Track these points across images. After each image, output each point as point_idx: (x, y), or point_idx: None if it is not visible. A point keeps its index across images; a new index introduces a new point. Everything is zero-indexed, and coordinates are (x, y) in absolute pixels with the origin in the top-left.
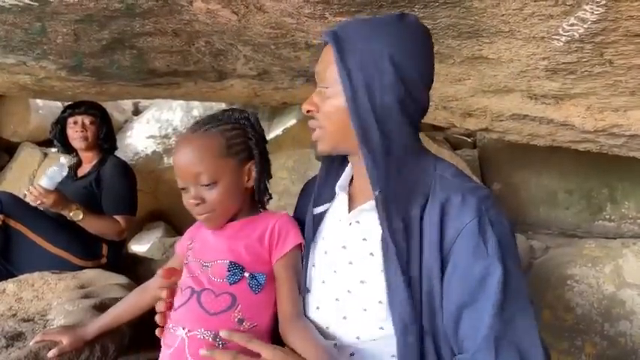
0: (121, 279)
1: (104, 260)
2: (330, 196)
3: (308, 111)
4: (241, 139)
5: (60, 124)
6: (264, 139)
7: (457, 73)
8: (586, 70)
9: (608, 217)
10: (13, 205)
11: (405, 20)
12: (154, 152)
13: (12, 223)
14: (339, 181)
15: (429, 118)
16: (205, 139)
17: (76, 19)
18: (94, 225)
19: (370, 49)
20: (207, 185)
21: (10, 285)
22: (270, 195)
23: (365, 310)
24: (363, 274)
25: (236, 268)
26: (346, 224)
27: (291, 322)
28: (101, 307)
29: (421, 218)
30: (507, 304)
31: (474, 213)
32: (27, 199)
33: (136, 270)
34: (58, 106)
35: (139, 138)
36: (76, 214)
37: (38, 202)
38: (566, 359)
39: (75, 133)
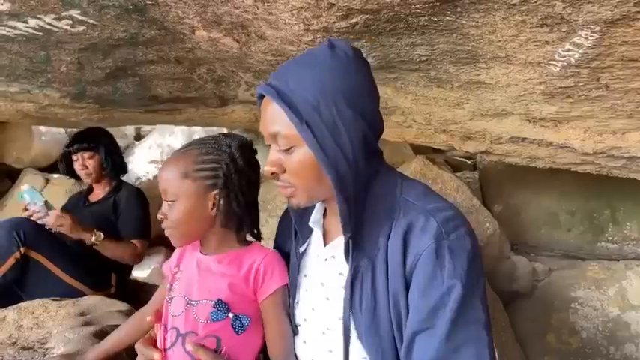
0: (122, 306)
1: (113, 290)
2: (308, 232)
3: (272, 173)
4: (211, 166)
5: (64, 160)
6: (244, 172)
7: (455, 98)
8: (583, 94)
9: (610, 238)
10: (34, 235)
11: (337, 51)
12: (155, 177)
13: (33, 254)
14: (312, 217)
15: (428, 141)
16: (179, 159)
17: (80, 48)
18: (112, 248)
19: (321, 93)
20: (169, 202)
21: (10, 312)
22: (258, 230)
23: (351, 343)
24: (340, 311)
25: (222, 307)
26: (322, 260)
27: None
28: (101, 335)
29: (387, 248)
30: (456, 333)
31: (433, 238)
32: (44, 221)
33: (138, 296)
34: (60, 132)
35: (141, 163)
36: (98, 237)
37: (57, 224)
38: None
39: (79, 171)
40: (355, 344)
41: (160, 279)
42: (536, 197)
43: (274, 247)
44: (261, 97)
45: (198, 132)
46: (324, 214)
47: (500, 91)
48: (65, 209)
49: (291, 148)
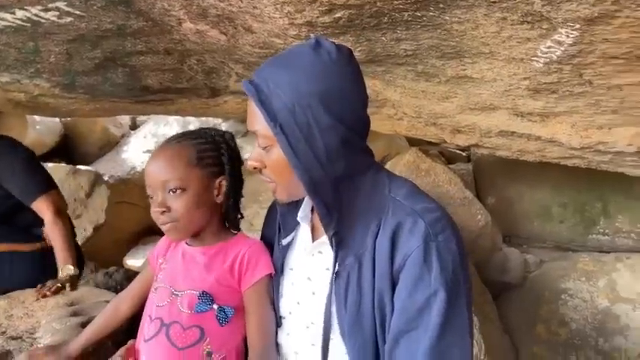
0: (110, 296)
1: (45, 243)
2: (294, 225)
3: (254, 167)
4: (214, 154)
5: None
6: (239, 159)
7: (444, 92)
8: (567, 90)
9: (602, 231)
10: None
11: (320, 52)
12: None
13: None
14: (300, 212)
15: (418, 134)
16: (178, 148)
17: (68, 39)
18: (68, 247)
19: (297, 96)
20: (174, 192)
21: (1, 302)
22: (241, 215)
23: (332, 339)
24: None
25: (206, 299)
26: (310, 255)
27: (257, 356)
28: None
29: (374, 247)
30: (444, 336)
31: (421, 239)
32: None
33: None
34: (55, 122)
35: (136, 152)
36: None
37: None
38: None
39: None
40: (336, 340)
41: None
42: (529, 189)
43: (261, 239)
44: None
45: (193, 122)
46: (312, 209)
47: (487, 85)
48: None
49: (267, 146)
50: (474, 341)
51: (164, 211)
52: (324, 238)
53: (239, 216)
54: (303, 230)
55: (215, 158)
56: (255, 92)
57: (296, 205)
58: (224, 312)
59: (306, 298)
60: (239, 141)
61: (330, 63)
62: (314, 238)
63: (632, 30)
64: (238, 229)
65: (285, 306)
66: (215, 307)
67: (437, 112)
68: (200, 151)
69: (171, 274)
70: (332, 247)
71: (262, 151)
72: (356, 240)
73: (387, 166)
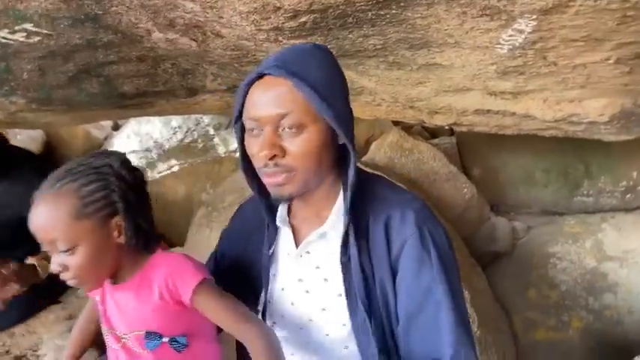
0: None
1: None
2: (274, 233)
3: (272, 157)
4: (102, 194)
5: None
6: (136, 185)
7: (417, 78)
8: (534, 71)
9: (586, 192)
10: None
11: (323, 49)
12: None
13: None
14: (278, 215)
15: (398, 117)
16: (58, 199)
17: (39, 56)
18: None
19: (327, 79)
20: (65, 252)
21: None
22: (158, 237)
23: (327, 335)
24: (322, 302)
25: (153, 336)
26: (297, 257)
27: (240, 332)
28: None
29: (367, 239)
30: (455, 305)
31: (415, 226)
32: None
33: None
34: (36, 130)
35: None
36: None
37: None
38: (555, 335)
39: None
40: (337, 332)
41: None
42: (512, 157)
43: (219, 251)
44: (255, 80)
45: (175, 118)
46: (289, 213)
47: (457, 70)
48: None
49: (301, 126)
50: None
51: (61, 271)
52: (311, 237)
53: (152, 238)
54: (284, 234)
55: (104, 199)
56: (288, 73)
57: (274, 211)
58: (176, 341)
59: (300, 297)
60: (223, 133)
61: (332, 56)
62: (296, 240)
63: (587, 16)
64: (153, 250)
65: (275, 311)
66: (165, 339)
67: (413, 96)
68: (84, 196)
69: (111, 317)
70: (348, 231)
71: (281, 137)
72: (358, 229)
73: (372, 147)
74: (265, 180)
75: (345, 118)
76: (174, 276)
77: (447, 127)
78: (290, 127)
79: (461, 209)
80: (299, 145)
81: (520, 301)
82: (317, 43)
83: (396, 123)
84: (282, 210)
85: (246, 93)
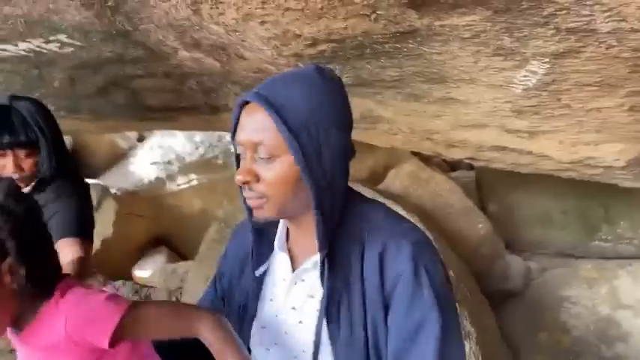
0: None
1: None
2: (267, 254)
3: (245, 182)
4: None
5: None
6: (27, 215)
7: (433, 111)
8: (548, 112)
9: (604, 237)
10: None
11: (324, 72)
12: (156, 178)
13: None
14: (276, 240)
15: (414, 147)
16: None
17: (71, 66)
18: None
19: (309, 109)
20: None
21: None
22: (59, 275)
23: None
24: (315, 333)
25: None
26: (292, 284)
27: (192, 330)
28: None
29: (361, 270)
30: (447, 344)
31: (410, 260)
32: None
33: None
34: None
35: (143, 165)
36: None
37: None
38: None
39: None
40: None
41: (161, 280)
42: (530, 196)
43: (219, 273)
44: (242, 105)
45: (199, 133)
46: (287, 237)
47: (473, 106)
48: None
49: (271, 157)
50: (472, 352)
51: None
52: (306, 265)
53: (53, 278)
54: (281, 259)
55: None
56: (265, 102)
57: (264, 233)
58: None
59: (294, 327)
60: None
61: (333, 81)
62: (293, 266)
63: (600, 62)
64: (51, 293)
65: (268, 338)
66: None
67: (430, 128)
68: None
69: None
70: (323, 269)
71: (257, 164)
72: (344, 262)
73: (389, 175)
74: (245, 201)
75: (322, 150)
76: (81, 326)
77: (466, 161)
78: (262, 155)
79: (475, 245)
80: (269, 175)
81: (530, 343)
82: (324, 66)
83: (415, 153)
84: (280, 233)
85: (239, 113)
